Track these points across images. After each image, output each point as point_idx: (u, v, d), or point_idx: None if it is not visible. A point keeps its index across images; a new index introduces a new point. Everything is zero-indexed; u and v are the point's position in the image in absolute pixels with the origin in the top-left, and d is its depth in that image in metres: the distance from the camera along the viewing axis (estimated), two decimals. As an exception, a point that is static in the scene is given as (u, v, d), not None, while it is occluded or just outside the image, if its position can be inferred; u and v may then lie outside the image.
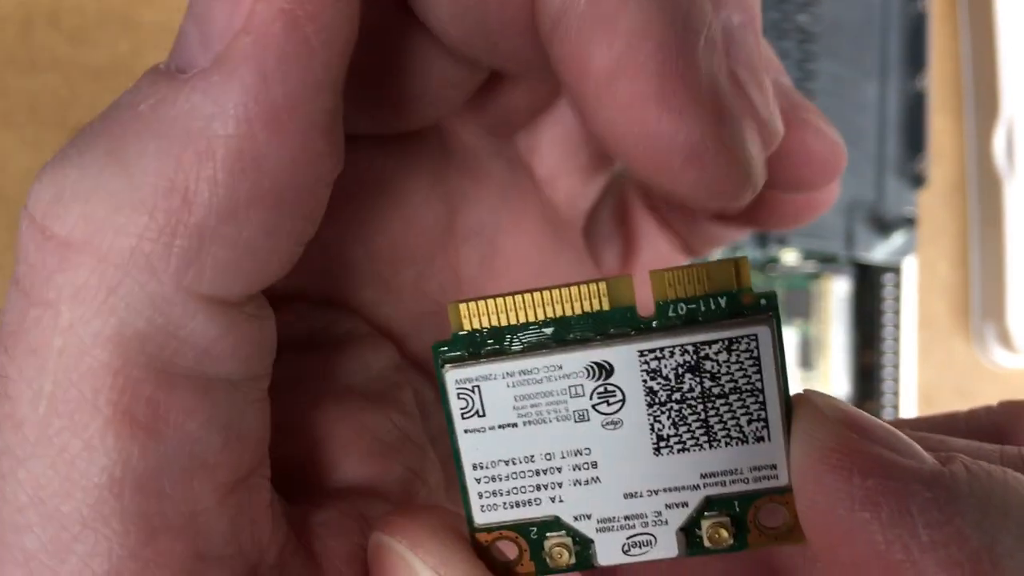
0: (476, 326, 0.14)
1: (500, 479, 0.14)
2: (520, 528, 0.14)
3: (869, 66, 0.38)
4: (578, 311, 0.13)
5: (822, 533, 0.12)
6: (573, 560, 0.14)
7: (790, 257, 0.38)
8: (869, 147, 0.38)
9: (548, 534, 0.14)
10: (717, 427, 0.13)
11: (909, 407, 0.37)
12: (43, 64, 0.41)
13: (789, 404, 0.13)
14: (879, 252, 0.37)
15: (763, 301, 0.13)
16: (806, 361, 0.38)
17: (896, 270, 0.37)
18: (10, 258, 0.40)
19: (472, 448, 0.14)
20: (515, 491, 0.14)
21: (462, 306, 0.14)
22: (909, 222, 0.36)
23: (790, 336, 0.38)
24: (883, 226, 0.36)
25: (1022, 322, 0.39)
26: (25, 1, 0.41)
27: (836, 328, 0.38)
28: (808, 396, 0.13)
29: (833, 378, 0.38)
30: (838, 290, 0.38)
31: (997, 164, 0.40)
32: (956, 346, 0.41)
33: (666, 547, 0.14)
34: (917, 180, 0.37)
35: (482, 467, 0.14)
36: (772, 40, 0.38)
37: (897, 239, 0.36)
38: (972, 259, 0.42)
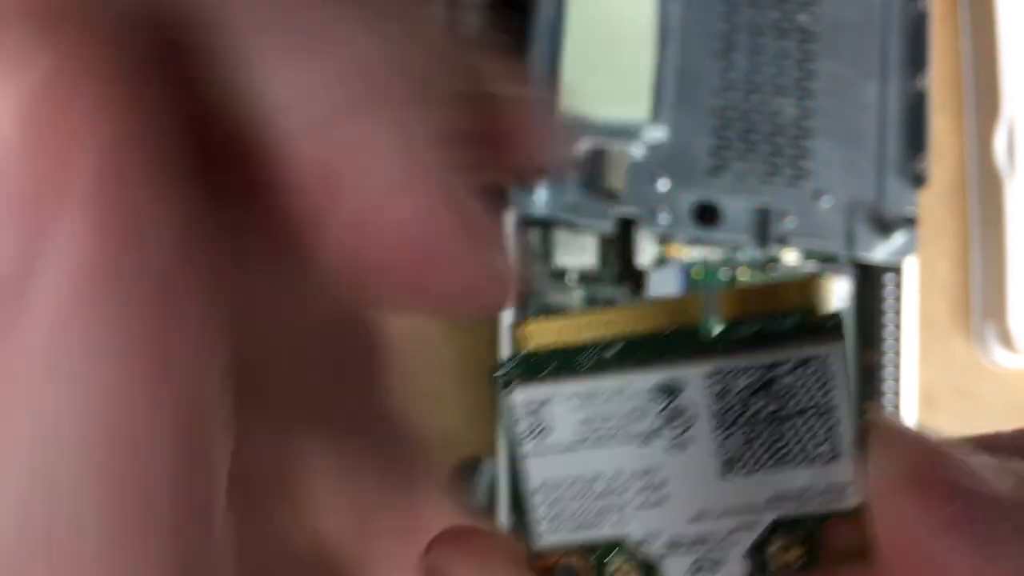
0: (541, 345, 0.13)
1: (564, 501, 0.14)
2: (584, 551, 0.14)
3: (869, 66, 0.38)
4: (644, 331, 0.13)
5: (900, 559, 0.12)
6: None
7: (790, 257, 0.38)
8: (869, 147, 0.38)
9: (612, 558, 0.14)
10: (785, 448, 0.13)
11: (910, 407, 0.37)
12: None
13: (857, 424, 0.13)
14: (880, 252, 0.37)
15: (832, 322, 0.13)
16: (806, 361, 0.38)
17: (897, 270, 0.37)
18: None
19: (536, 470, 0.14)
20: (579, 513, 0.14)
21: (528, 326, 0.13)
22: (910, 222, 0.36)
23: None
24: (884, 226, 0.36)
25: (1023, 322, 0.39)
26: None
27: (836, 328, 0.38)
28: (881, 418, 0.13)
29: (833, 378, 0.38)
30: (838, 290, 0.38)
31: (998, 164, 0.40)
32: (956, 346, 0.41)
33: (733, 571, 0.13)
34: (918, 180, 0.37)
35: (545, 489, 0.14)
36: (772, 40, 0.38)
37: (898, 239, 0.36)
38: (973, 259, 0.42)
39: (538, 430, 0.13)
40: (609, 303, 0.37)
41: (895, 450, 0.12)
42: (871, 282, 0.38)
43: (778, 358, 0.13)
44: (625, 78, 0.38)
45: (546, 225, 0.37)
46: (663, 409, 0.13)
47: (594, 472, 0.13)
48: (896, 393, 0.37)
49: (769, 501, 0.13)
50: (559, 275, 0.37)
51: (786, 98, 0.38)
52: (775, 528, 0.13)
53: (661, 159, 0.37)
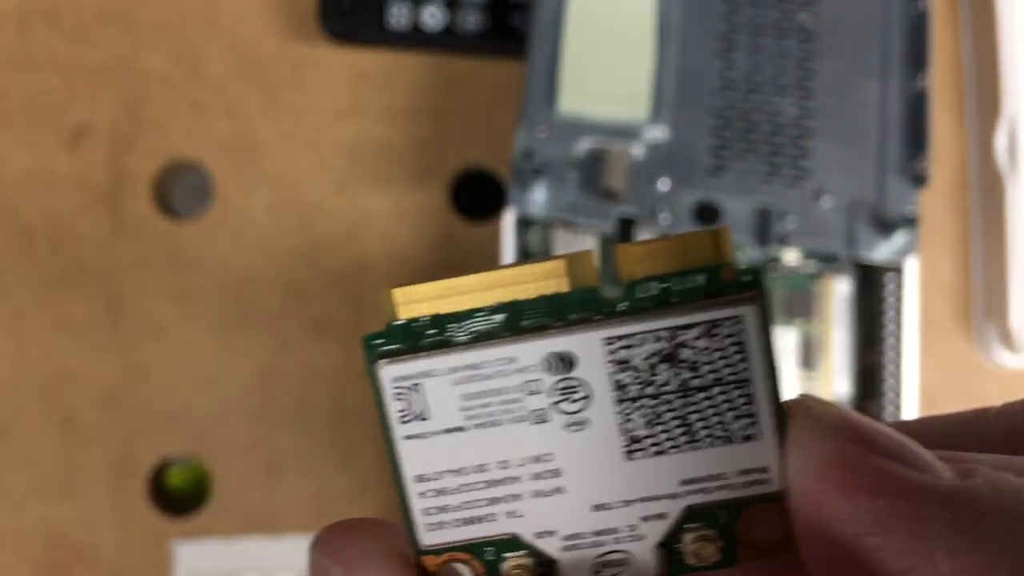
0: (415, 314, 0.12)
1: (448, 492, 0.12)
2: (474, 548, 0.12)
3: (870, 65, 0.38)
4: (533, 294, 0.11)
5: (822, 560, 0.11)
6: None
7: (791, 257, 0.38)
8: (870, 146, 0.38)
9: (506, 554, 0.12)
10: (698, 425, 0.12)
11: (911, 407, 0.36)
12: (41, 63, 0.41)
13: (780, 396, 0.12)
14: (880, 252, 0.37)
15: (747, 277, 0.11)
16: (807, 361, 0.38)
17: (897, 270, 0.37)
18: (9, 258, 0.40)
19: (414, 457, 0.12)
20: (466, 506, 0.12)
21: (397, 291, 0.12)
22: (910, 222, 0.36)
23: (791, 336, 0.38)
24: (884, 226, 0.36)
25: (1024, 322, 0.39)
26: (23, 0, 0.41)
27: (837, 328, 0.38)
28: (804, 402, 0.12)
29: (834, 378, 0.37)
30: (839, 290, 0.38)
31: (999, 163, 0.40)
32: (957, 346, 0.41)
33: (643, 566, 0.12)
34: (919, 180, 0.37)
35: (426, 479, 0.12)
36: (773, 39, 0.38)
37: (899, 239, 0.36)
38: (974, 259, 0.41)
39: (414, 411, 0.12)
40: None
41: (817, 438, 0.11)
42: (872, 282, 0.38)
43: (686, 320, 0.11)
44: (625, 78, 0.37)
45: (546, 225, 0.37)
46: (558, 382, 0.12)
47: (481, 458, 0.12)
48: (897, 393, 0.37)
49: (681, 486, 0.12)
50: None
51: (786, 98, 0.38)
52: (689, 516, 0.12)
53: (661, 159, 0.37)
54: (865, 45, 0.38)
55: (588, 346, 0.11)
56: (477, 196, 0.41)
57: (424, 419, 0.12)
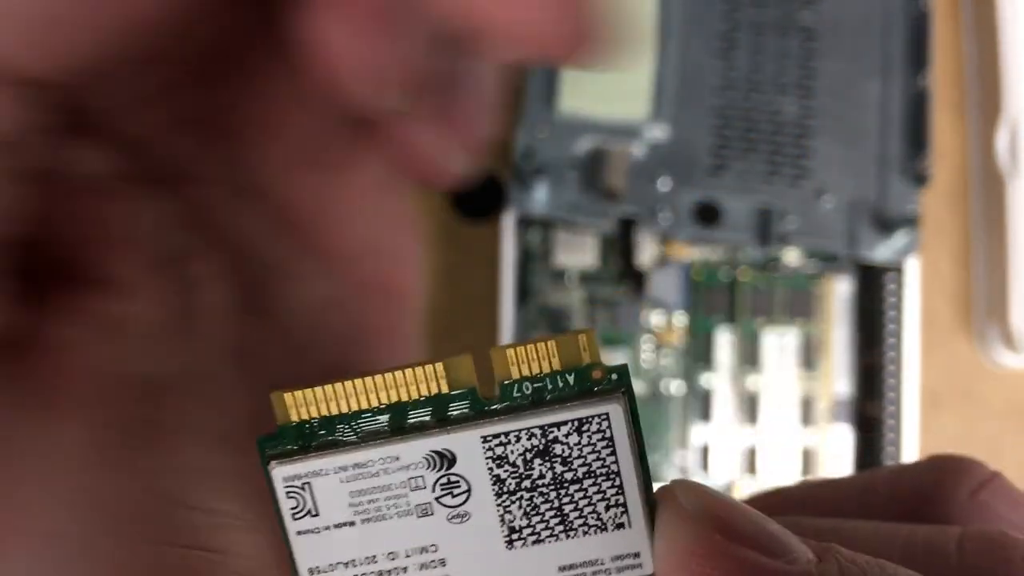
0: (304, 416, 0.12)
1: None
2: None
3: (871, 64, 0.38)
4: (415, 395, 0.12)
5: None
6: None
7: (792, 257, 0.38)
8: (871, 146, 0.37)
9: None
10: (573, 515, 0.12)
11: (912, 408, 0.36)
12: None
13: (650, 486, 0.12)
14: (881, 252, 0.37)
15: (614, 376, 0.12)
16: (808, 362, 0.37)
17: (898, 270, 0.37)
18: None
19: (307, 551, 0.12)
20: None
21: (287, 396, 0.12)
22: (911, 222, 0.36)
23: (791, 336, 0.37)
24: (885, 225, 0.36)
25: (1025, 322, 0.39)
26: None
27: (838, 328, 0.38)
28: (673, 489, 0.12)
29: (835, 378, 0.37)
30: (840, 290, 0.38)
31: (1000, 163, 0.40)
32: (958, 346, 0.41)
33: None
34: (920, 179, 0.37)
35: (320, 571, 0.13)
36: (774, 38, 0.38)
37: (900, 239, 0.36)
38: (975, 259, 0.41)
39: (305, 508, 0.12)
40: (609, 303, 0.37)
41: (679, 527, 0.12)
42: (873, 282, 0.37)
43: (558, 419, 0.12)
44: (625, 77, 0.37)
45: (546, 225, 0.37)
46: (439, 479, 0.12)
47: (370, 550, 0.13)
48: (898, 394, 0.36)
49: (560, 572, 0.13)
50: (559, 275, 0.37)
51: (787, 97, 0.38)
52: None
53: (662, 158, 0.37)
54: (866, 44, 0.38)
55: (467, 444, 0.12)
56: (477, 196, 0.41)
57: (315, 515, 0.12)
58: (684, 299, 0.37)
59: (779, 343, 0.37)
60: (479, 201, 0.41)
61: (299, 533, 0.12)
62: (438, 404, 0.12)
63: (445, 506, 0.12)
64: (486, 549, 0.13)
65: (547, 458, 0.12)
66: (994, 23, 0.41)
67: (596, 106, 0.37)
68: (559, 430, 0.12)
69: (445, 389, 0.12)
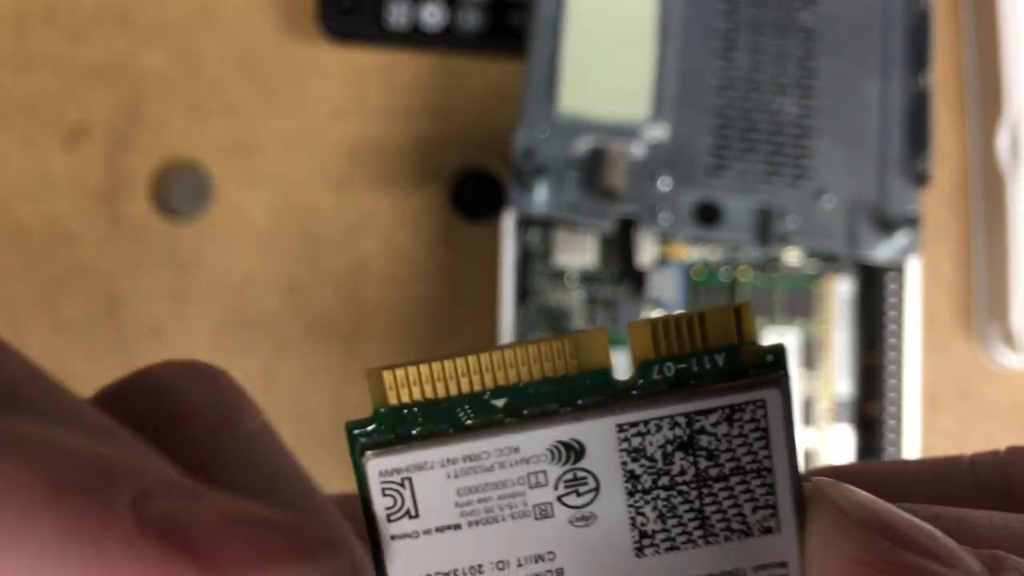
0: (405, 400, 0.11)
1: None
2: None
3: (871, 64, 0.38)
4: (537, 376, 0.11)
5: None
6: None
7: (792, 257, 0.38)
8: (872, 146, 0.37)
9: None
10: (715, 517, 0.11)
11: (913, 408, 0.36)
12: (39, 62, 0.41)
13: (800, 486, 0.11)
14: (882, 252, 0.36)
15: (770, 357, 0.11)
16: (808, 362, 0.37)
17: (899, 270, 0.37)
18: (7, 259, 0.40)
19: (401, 560, 0.11)
20: None
21: (386, 374, 0.11)
22: (912, 222, 0.36)
23: (792, 336, 0.37)
24: (886, 225, 0.36)
25: (1026, 322, 0.39)
26: (21, -1, 0.41)
27: (839, 328, 0.38)
28: (823, 489, 0.11)
29: (835, 379, 0.37)
30: (841, 290, 0.38)
31: (1000, 163, 0.40)
32: (959, 346, 0.41)
33: None
34: (920, 179, 0.37)
35: None
36: (774, 38, 0.38)
37: (900, 239, 0.36)
38: (976, 259, 0.41)
39: (403, 508, 0.11)
40: (609, 303, 0.37)
41: (841, 533, 0.10)
42: (873, 282, 0.37)
43: (706, 405, 0.11)
44: (625, 77, 0.37)
45: (546, 225, 0.37)
46: (564, 475, 0.11)
47: (476, 559, 0.11)
48: (898, 394, 0.36)
49: None
50: (559, 275, 0.37)
51: (788, 97, 0.38)
52: None
53: (662, 158, 0.37)
54: (866, 44, 0.38)
55: (599, 434, 0.11)
56: (477, 196, 0.41)
57: (414, 516, 0.11)
58: (684, 299, 0.37)
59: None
60: (479, 201, 0.41)
61: (394, 537, 0.11)
62: (564, 387, 0.11)
63: (568, 507, 0.11)
64: (612, 557, 0.11)
65: (691, 451, 0.11)
66: (995, 23, 0.41)
67: (596, 106, 0.37)
68: (707, 418, 0.11)
69: (574, 370, 0.11)
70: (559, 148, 0.36)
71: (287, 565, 0.10)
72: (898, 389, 0.36)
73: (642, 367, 0.11)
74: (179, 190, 0.41)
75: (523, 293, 0.37)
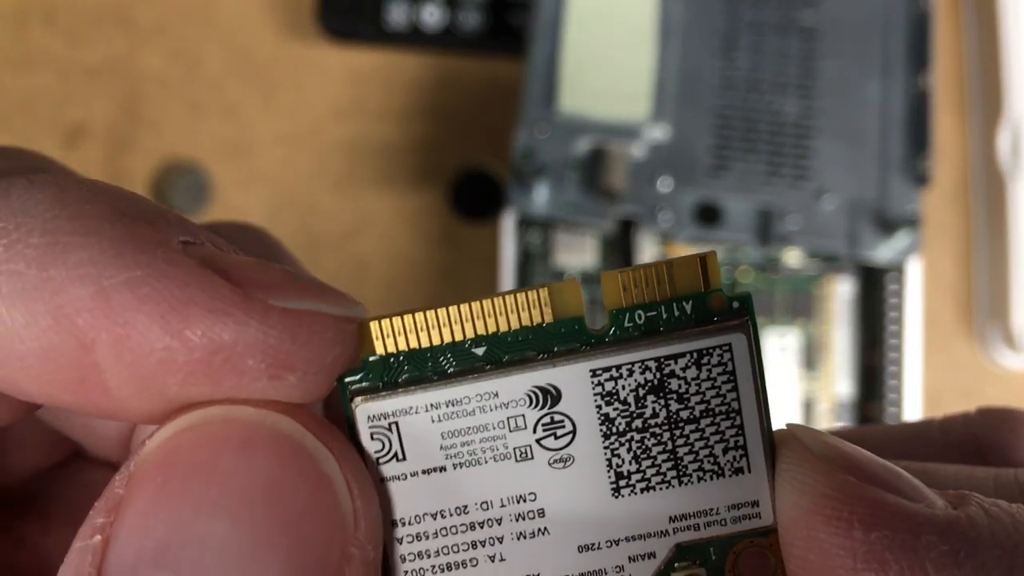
0: (391, 349, 0.11)
1: (428, 537, 0.11)
2: None
3: (872, 64, 0.38)
4: (515, 325, 0.11)
5: None
6: None
7: (793, 257, 0.37)
8: (872, 146, 0.37)
9: None
10: (687, 459, 0.11)
11: (913, 408, 0.36)
12: (38, 63, 0.41)
13: (770, 427, 0.11)
14: (883, 252, 0.36)
15: (736, 304, 0.11)
16: (809, 362, 0.37)
17: (900, 270, 0.37)
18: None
19: (393, 500, 0.11)
20: (446, 550, 0.11)
21: (373, 324, 0.11)
22: (913, 222, 0.36)
23: (793, 337, 0.37)
24: (887, 226, 0.36)
25: (1027, 323, 0.38)
26: (20, -1, 0.41)
27: (839, 329, 0.38)
28: (794, 432, 0.11)
29: (836, 379, 0.37)
30: (841, 290, 0.38)
31: (1001, 163, 0.40)
32: (960, 347, 0.41)
33: None
34: (921, 179, 0.37)
35: (405, 523, 0.11)
36: (774, 38, 0.38)
37: (901, 239, 0.36)
38: (976, 259, 0.41)
39: (391, 451, 0.11)
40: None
41: (808, 470, 0.11)
42: (874, 282, 0.37)
43: (675, 350, 0.11)
44: (625, 77, 0.37)
45: (546, 225, 0.37)
46: (542, 418, 0.11)
47: (462, 499, 0.11)
48: (899, 394, 0.36)
49: (669, 523, 0.11)
50: (559, 275, 0.37)
51: (788, 97, 0.38)
52: (679, 555, 0.11)
53: (662, 159, 0.37)
54: (867, 44, 0.38)
55: (574, 378, 0.11)
56: (477, 196, 0.41)
57: (402, 459, 0.11)
58: (684, 300, 0.37)
59: (780, 344, 0.37)
60: (479, 201, 0.41)
61: (383, 480, 0.11)
62: (540, 335, 0.11)
63: (547, 449, 0.11)
64: (590, 497, 0.11)
65: (661, 394, 0.11)
66: (995, 23, 0.41)
67: (596, 106, 0.37)
68: (676, 363, 0.11)
69: (549, 318, 0.11)
70: (559, 148, 0.36)
71: (313, 299, 0.11)
72: (898, 390, 0.36)
73: (614, 315, 0.11)
74: (178, 190, 0.41)
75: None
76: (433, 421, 0.11)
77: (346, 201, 0.41)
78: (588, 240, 0.37)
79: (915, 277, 0.37)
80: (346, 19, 0.41)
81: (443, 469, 0.11)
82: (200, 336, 0.10)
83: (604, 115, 0.37)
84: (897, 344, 0.37)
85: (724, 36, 0.38)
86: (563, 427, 0.11)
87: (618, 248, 0.37)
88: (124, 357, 0.10)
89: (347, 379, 0.11)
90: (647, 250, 0.37)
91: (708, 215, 0.36)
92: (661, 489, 0.11)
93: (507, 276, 0.36)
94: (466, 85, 0.42)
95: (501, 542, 0.11)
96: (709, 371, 0.11)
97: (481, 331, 0.11)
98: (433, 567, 0.11)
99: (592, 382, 0.11)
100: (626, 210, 0.36)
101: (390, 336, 0.11)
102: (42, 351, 0.10)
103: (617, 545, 0.11)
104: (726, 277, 0.38)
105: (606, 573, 0.11)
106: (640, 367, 0.11)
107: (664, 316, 0.11)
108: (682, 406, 0.11)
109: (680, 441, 0.11)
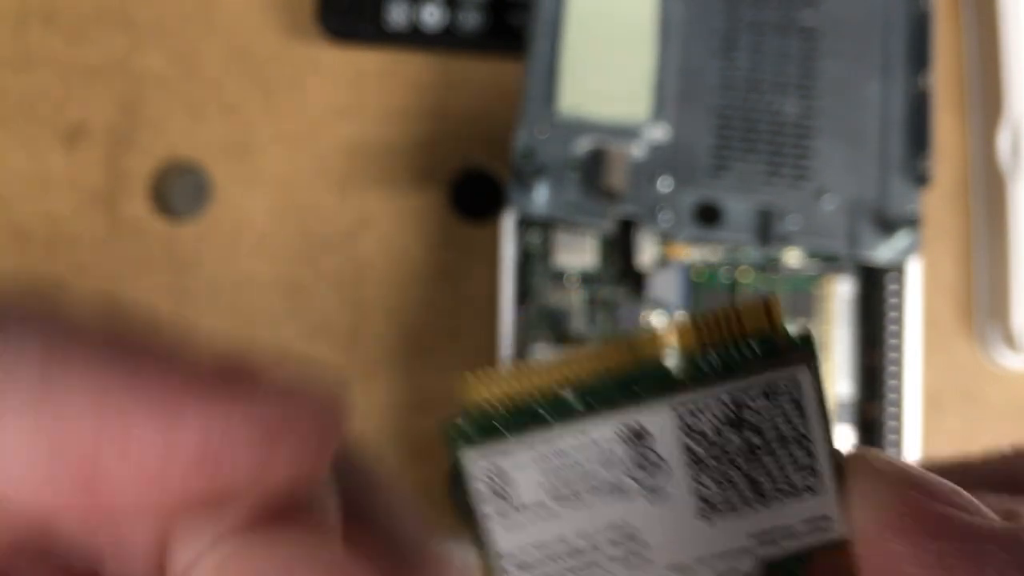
0: (491, 399, 0.13)
1: (533, 567, 0.13)
2: None
3: (872, 64, 0.38)
4: (602, 371, 0.13)
5: None
6: None
7: (793, 257, 0.37)
8: (872, 146, 0.37)
9: None
10: (764, 482, 0.13)
11: (913, 409, 0.36)
12: (38, 62, 0.41)
13: (835, 450, 0.13)
14: (883, 252, 0.36)
15: (799, 341, 0.13)
16: (809, 362, 0.37)
17: (900, 270, 0.37)
18: (5, 259, 0.40)
19: (503, 535, 0.13)
20: None
21: (472, 379, 0.13)
22: (913, 222, 0.36)
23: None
24: (887, 226, 0.36)
25: (1027, 323, 0.38)
26: (20, -1, 0.41)
27: (839, 329, 0.38)
28: (863, 455, 0.13)
29: (836, 379, 0.37)
30: (841, 291, 0.38)
31: (1001, 163, 0.40)
32: (960, 347, 0.41)
33: None
34: (921, 179, 0.37)
35: (512, 556, 0.13)
36: (774, 38, 0.38)
37: (901, 239, 0.36)
38: (977, 259, 0.41)
39: (499, 491, 0.13)
40: (609, 304, 0.37)
41: (879, 489, 0.12)
42: (874, 283, 0.37)
43: (748, 384, 0.12)
44: (625, 77, 0.37)
45: (546, 225, 0.37)
46: (632, 454, 0.13)
47: (563, 531, 0.13)
48: (899, 394, 0.36)
49: (752, 541, 0.13)
50: (559, 276, 0.37)
51: (788, 97, 0.38)
52: (760, 569, 0.13)
53: (662, 159, 0.37)
54: (867, 44, 0.38)
55: (659, 416, 0.12)
56: (477, 196, 0.41)
57: (506, 498, 0.13)
58: (684, 300, 0.37)
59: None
60: (479, 202, 0.41)
61: (489, 515, 0.13)
62: (626, 379, 0.12)
63: (638, 482, 0.13)
64: (679, 523, 0.13)
65: (738, 426, 0.13)
66: (995, 23, 0.41)
67: (596, 106, 0.37)
68: (748, 395, 0.12)
69: (632, 365, 0.12)
70: (559, 148, 0.36)
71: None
72: (899, 390, 0.36)
73: (690, 358, 0.12)
74: (178, 190, 0.41)
75: (523, 294, 0.37)
76: (533, 462, 0.13)
77: (346, 201, 0.41)
78: (588, 240, 0.37)
79: (915, 277, 0.37)
80: (346, 19, 0.41)
81: (544, 504, 0.13)
82: None
83: (604, 115, 0.37)
84: (897, 344, 0.37)
85: (724, 36, 0.38)
86: (651, 461, 0.13)
87: (618, 248, 0.37)
88: None
89: (453, 427, 0.13)
90: (647, 250, 0.37)
91: (708, 215, 0.36)
92: (743, 511, 0.13)
93: (507, 276, 0.36)
94: (466, 85, 0.42)
95: (600, 567, 0.13)
96: (779, 401, 0.13)
97: (572, 379, 0.12)
98: None
99: (675, 418, 0.12)
100: (626, 210, 0.36)
101: (488, 388, 0.13)
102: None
103: (706, 563, 0.13)
104: (726, 277, 0.38)
105: None
106: (717, 402, 0.12)
107: (736, 356, 0.12)
108: (757, 435, 0.13)
109: (757, 467, 0.13)
